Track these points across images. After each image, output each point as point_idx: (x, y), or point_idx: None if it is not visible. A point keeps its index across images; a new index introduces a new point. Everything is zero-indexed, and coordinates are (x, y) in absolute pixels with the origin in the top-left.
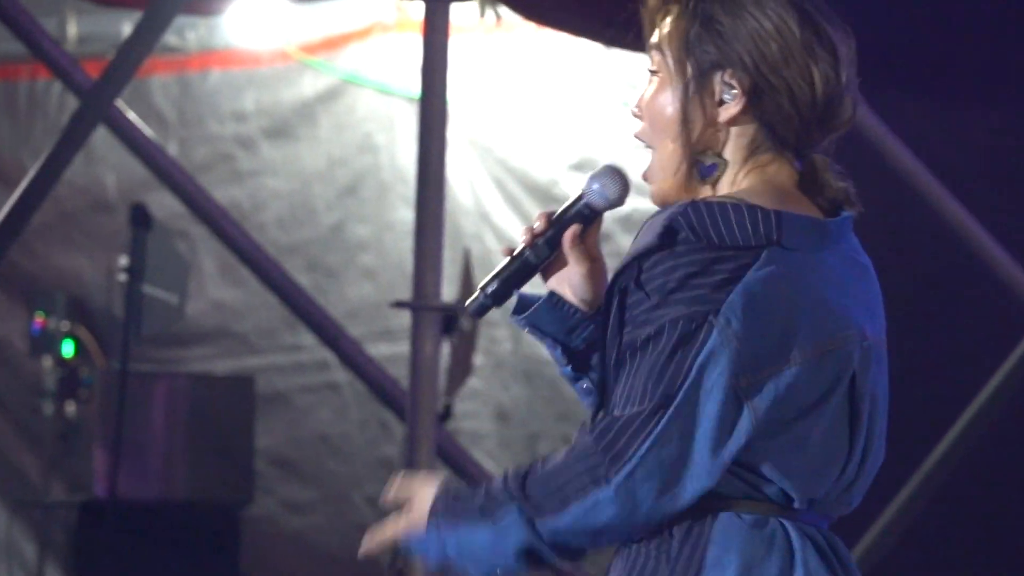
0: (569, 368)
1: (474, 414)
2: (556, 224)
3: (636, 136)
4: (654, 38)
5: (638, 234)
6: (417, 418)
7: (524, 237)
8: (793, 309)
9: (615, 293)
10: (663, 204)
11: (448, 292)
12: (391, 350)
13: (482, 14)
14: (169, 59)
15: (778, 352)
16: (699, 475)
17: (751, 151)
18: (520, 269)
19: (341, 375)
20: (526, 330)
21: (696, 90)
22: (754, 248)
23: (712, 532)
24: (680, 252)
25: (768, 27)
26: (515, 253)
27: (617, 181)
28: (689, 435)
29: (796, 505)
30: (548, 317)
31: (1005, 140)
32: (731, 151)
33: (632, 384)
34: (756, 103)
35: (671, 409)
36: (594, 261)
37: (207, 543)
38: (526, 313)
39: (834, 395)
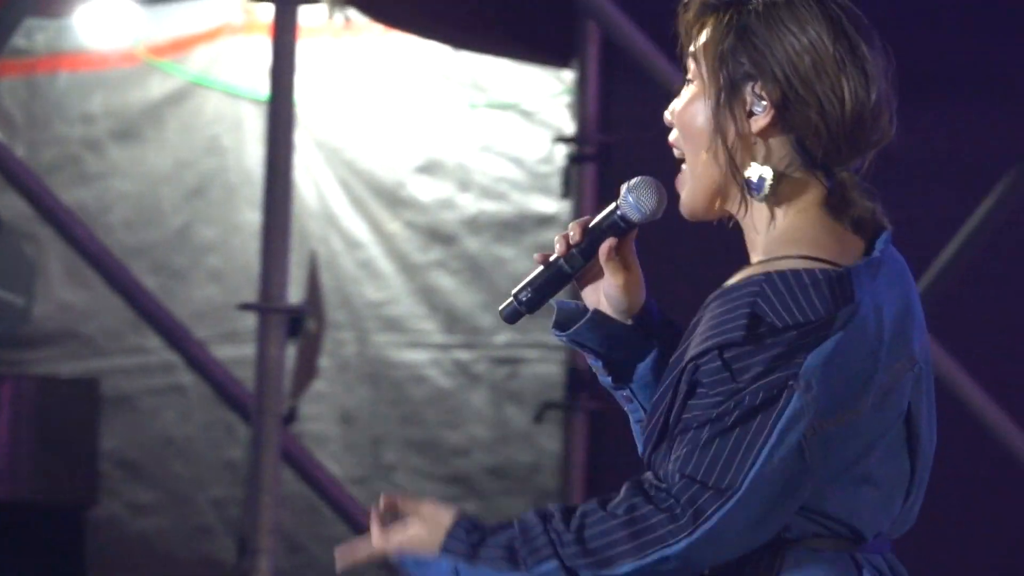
0: (610, 379)
1: (318, 416)
2: (591, 234)
3: (671, 143)
4: (691, 47)
5: (711, 303)
6: (262, 420)
7: (558, 245)
8: (864, 362)
9: (688, 371)
10: (692, 214)
11: (294, 294)
12: (237, 352)
13: (330, 16)
14: (17, 61)
15: (846, 407)
16: (761, 538)
17: (784, 167)
18: (554, 278)
19: (187, 377)
20: (564, 342)
21: (727, 101)
22: (832, 315)
23: (784, 563)
24: (766, 337)
25: (803, 41)
26: (549, 261)
27: (653, 193)
28: (763, 498)
29: (867, 540)
30: (591, 334)
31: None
32: (767, 166)
33: (711, 449)
34: (785, 116)
35: (750, 478)
36: (629, 271)
37: (51, 544)
38: (569, 331)
39: (894, 428)
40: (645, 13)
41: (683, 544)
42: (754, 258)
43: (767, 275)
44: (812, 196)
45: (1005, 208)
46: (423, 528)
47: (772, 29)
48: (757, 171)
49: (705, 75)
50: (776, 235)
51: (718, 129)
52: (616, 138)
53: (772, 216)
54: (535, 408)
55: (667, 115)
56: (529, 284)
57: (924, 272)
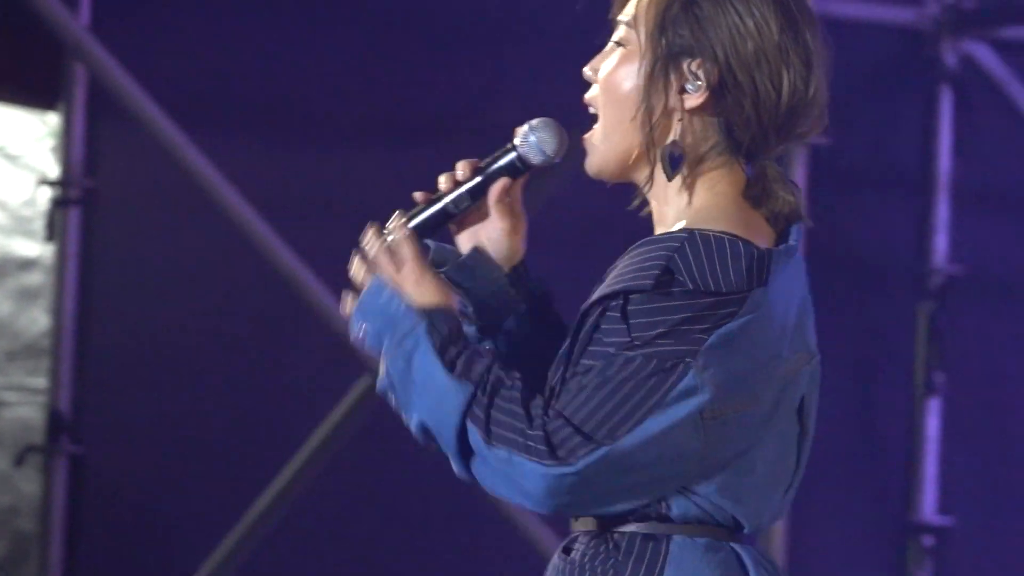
0: (475, 328)
1: None
2: (482, 174)
3: (587, 100)
4: (629, 10)
5: (626, 254)
6: None
7: (444, 183)
8: (767, 350)
9: (592, 314)
10: (599, 174)
11: None
12: None
13: None
14: None
15: (748, 394)
16: (621, 504)
17: (707, 149)
18: (435, 216)
19: None
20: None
21: (661, 72)
22: (744, 293)
23: (668, 555)
24: (675, 296)
25: (749, 25)
26: (432, 198)
27: (555, 136)
28: (637, 463)
29: (746, 530)
30: (469, 274)
31: (325, 178)
32: (688, 145)
33: (594, 395)
34: (718, 99)
35: (629, 438)
36: (516, 218)
37: None
38: (447, 267)
39: (787, 421)
40: (134, 57)
41: (542, 469)
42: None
43: (690, 233)
44: (731, 181)
45: None
46: (406, 272)
47: (719, 6)
48: (676, 149)
49: (642, 40)
50: (693, 212)
51: (646, 99)
52: (101, 183)
53: (689, 194)
54: (15, 451)
55: (587, 71)
56: (407, 219)
57: None
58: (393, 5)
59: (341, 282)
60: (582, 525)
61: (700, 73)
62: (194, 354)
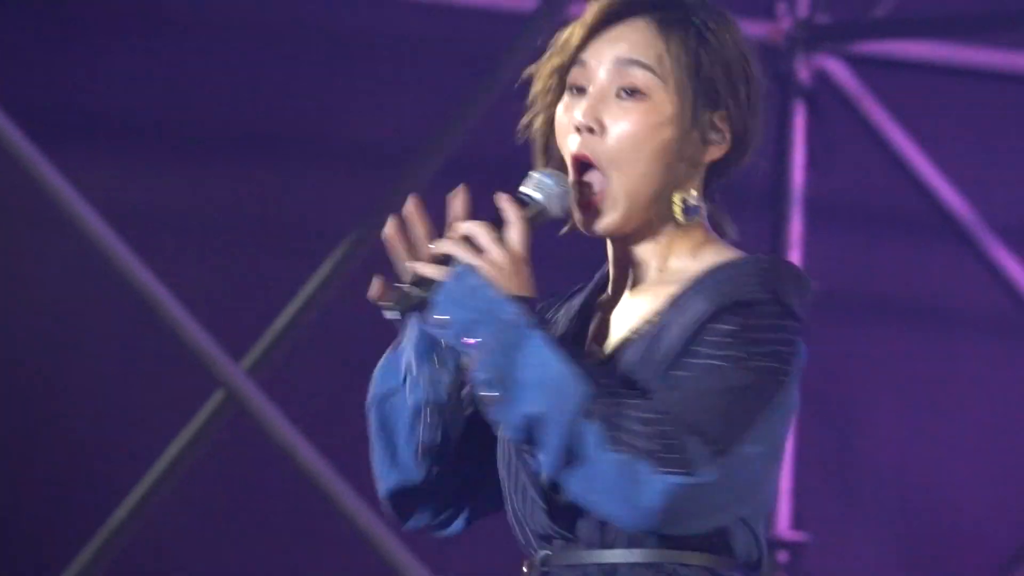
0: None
1: None
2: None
3: (583, 154)
4: (638, 55)
5: (706, 279)
6: None
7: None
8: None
9: (701, 331)
10: (616, 233)
11: None
12: None
13: None
14: None
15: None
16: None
17: (709, 193)
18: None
19: None
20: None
21: (693, 124)
22: (805, 322)
23: None
24: (777, 315)
25: (752, 76)
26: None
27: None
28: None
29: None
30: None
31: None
32: (700, 191)
33: (714, 405)
34: (732, 148)
35: (751, 442)
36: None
37: None
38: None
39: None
40: None
41: (670, 479)
42: (653, 266)
43: (785, 264)
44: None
45: (339, 276)
46: (502, 254)
47: (731, 58)
48: (693, 197)
49: (674, 92)
50: (704, 246)
51: (679, 150)
52: None
53: (688, 233)
54: None
55: (586, 121)
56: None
57: (256, 341)
58: (249, 20)
59: (195, 297)
60: (622, 556)
61: (724, 126)
62: (46, 367)
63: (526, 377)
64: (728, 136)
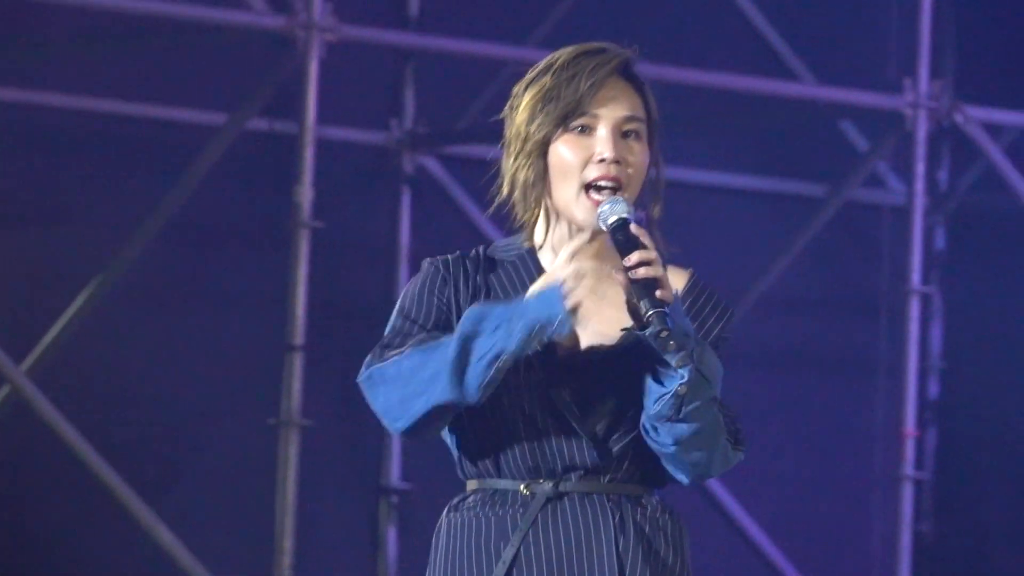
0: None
1: None
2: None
3: (618, 177)
4: (639, 112)
5: (704, 285)
6: None
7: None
8: None
9: (721, 338)
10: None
11: None
12: None
13: None
14: None
15: None
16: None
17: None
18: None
19: None
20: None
21: (656, 156)
22: None
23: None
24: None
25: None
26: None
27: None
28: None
29: None
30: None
31: None
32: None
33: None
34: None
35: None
36: None
37: None
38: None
39: None
40: None
41: (740, 456)
42: (604, 256)
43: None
44: None
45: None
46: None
47: (654, 106)
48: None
49: (652, 134)
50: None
51: (647, 175)
52: None
53: None
54: None
55: (614, 155)
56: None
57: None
58: None
59: None
60: (624, 488)
61: (654, 158)
62: None
63: (715, 378)
64: (657, 162)
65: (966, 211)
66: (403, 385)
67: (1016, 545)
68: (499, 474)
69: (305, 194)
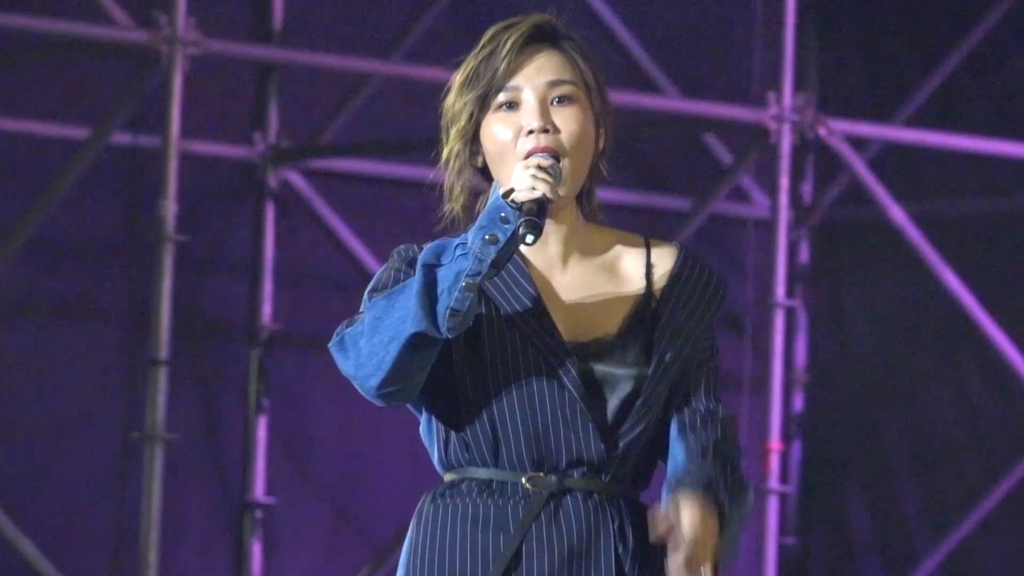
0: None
1: None
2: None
3: (551, 147)
4: (568, 73)
5: (694, 260)
6: None
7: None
8: None
9: (715, 315)
10: (564, 201)
11: None
12: None
13: None
14: None
15: None
16: None
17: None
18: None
19: None
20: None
21: (604, 124)
22: None
23: None
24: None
25: (604, 83)
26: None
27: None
28: None
29: None
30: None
31: None
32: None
33: (717, 381)
34: (608, 139)
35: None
36: None
37: None
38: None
39: None
40: None
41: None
42: (578, 239)
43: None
44: None
45: None
46: (710, 531)
47: (597, 70)
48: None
49: (593, 100)
50: (597, 225)
51: (595, 144)
52: None
53: (593, 214)
54: None
55: (539, 124)
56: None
57: None
58: None
59: None
60: (619, 489)
61: (604, 124)
62: None
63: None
64: (603, 130)
65: (830, 224)
66: (372, 333)
67: (880, 557)
68: (497, 463)
69: (169, 208)
